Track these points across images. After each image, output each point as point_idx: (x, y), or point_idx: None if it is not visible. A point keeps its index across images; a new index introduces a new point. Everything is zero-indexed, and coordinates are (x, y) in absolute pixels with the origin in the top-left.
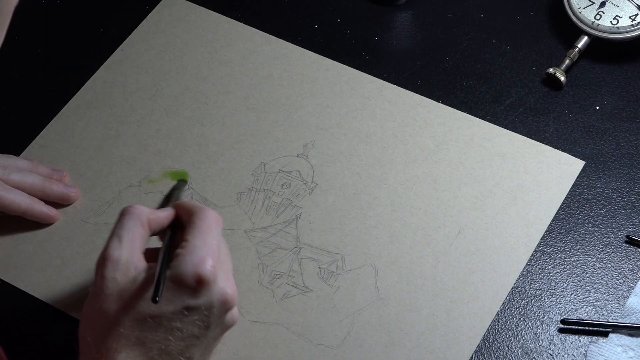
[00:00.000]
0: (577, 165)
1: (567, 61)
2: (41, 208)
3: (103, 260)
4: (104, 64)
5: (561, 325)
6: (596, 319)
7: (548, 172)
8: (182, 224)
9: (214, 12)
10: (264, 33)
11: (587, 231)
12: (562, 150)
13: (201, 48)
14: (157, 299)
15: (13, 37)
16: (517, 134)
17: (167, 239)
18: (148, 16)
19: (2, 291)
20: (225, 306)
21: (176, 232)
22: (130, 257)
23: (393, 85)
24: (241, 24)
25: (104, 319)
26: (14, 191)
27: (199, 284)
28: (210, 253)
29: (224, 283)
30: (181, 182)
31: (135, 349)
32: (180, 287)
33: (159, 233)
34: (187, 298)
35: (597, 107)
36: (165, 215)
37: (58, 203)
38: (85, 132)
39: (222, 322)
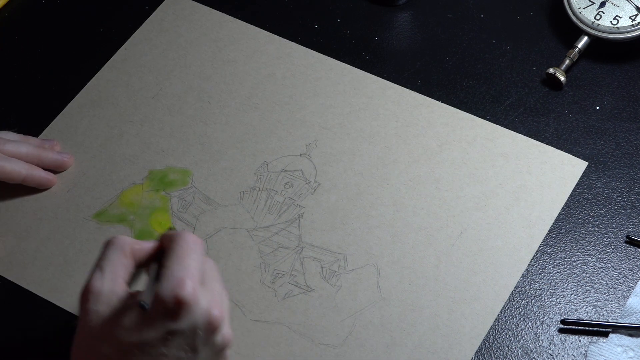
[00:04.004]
0: (579, 165)
1: (567, 61)
2: (40, 173)
3: (85, 293)
4: (108, 62)
5: (561, 326)
6: (596, 319)
7: (551, 173)
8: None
9: (217, 11)
10: (268, 32)
11: (587, 231)
12: (563, 151)
13: (204, 47)
14: (146, 305)
15: (13, 37)
16: (520, 135)
17: (154, 270)
18: (152, 15)
19: (4, 289)
20: (211, 327)
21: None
22: (112, 287)
23: (396, 85)
24: (245, 23)
25: (90, 352)
26: (12, 160)
27: (179, 307)
28: (188, 275)
29: (208, 304)
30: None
31: None
32: (161, 312)
33: (145, 265)
34: (168, 322)
35: (597, 107)
36: (150, 245)
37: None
38: (89, 131)
39: (211, 344)
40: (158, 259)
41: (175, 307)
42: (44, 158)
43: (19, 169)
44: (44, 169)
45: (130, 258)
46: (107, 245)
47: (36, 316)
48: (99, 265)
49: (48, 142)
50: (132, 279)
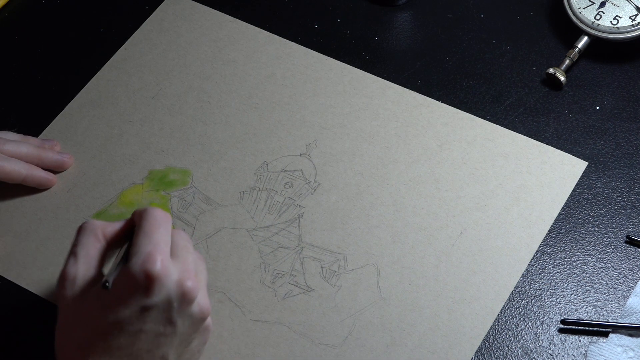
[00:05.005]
0: (579, 165)
1: (567, 61)
2: (40, 173)
3: (61, 280)
4: (108, 62)
5: (561, 326)
6: (596, 319)
7: (551, 173)
8: None
9: (217, 11)
10: (268, 32)
11: (587, 231)
12: (563, 151)
13: (204, 47)
14: (108, 283)
15: (13, 37)
16: (520, 135)
17: (123, 250)
18: (151, 15)
19: (4, 289)
20: (186, 298)
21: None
22: (87, 271)
23: (396, 85)
24: (244, 23)
25: (70, 338)
26: (12, 160)
27: (149, 281)
28: (157, 249)
29: (181, 275)
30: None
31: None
32: (132, 288)
33: (119, 245)
34: (141, 298)
35: (597, 107)
36: (120, 224)
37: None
38: (89, 131)
39: (188, 315)
40: (129, 237)
41: (146, 282)
42: (44, 158)
43: (19, 169)
44: (44, 169)
45: (103, 240)
46: (79, 230)
47: (36, 316)
48: (72, 251)
49: (48, 142)
50: (107, 259)
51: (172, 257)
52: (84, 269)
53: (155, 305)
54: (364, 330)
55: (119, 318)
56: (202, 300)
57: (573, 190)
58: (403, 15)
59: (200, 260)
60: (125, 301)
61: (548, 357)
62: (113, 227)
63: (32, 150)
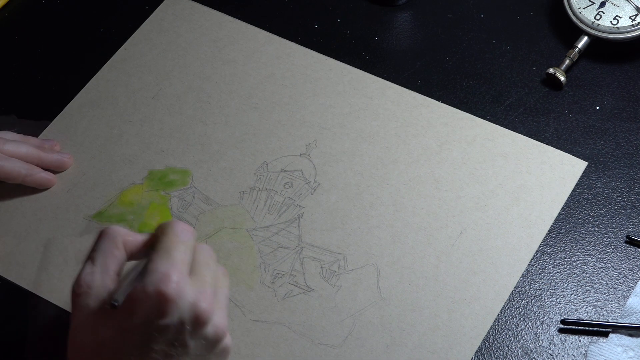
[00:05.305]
0: (579, 165)
1: (567, 61)
2: (40, 173)
3: (76, 286)
4: (107, 62)
5: (561, 326)
6: (596, 319)
7: (550, 173)
8: None
9: (217, 12)
10: (267, 32)
11: (587, 231)
12: (563, 151)
13: (204, 47)
14: (117, 303)
15: (13, 37)
16: (520, 135)
17: (140, 266)
18: (151, 15)
19: (4, 289)
20: (199, 321)
21: None
22: (102, 282)
23: (396, 85)
24: (244, 23)
25: (81, 347)
26: (12, 160)
27: (162, 302)
28: (172, 268)
29: (196, 296)
30: None
31: None
32: (145, 308)
33: (137, 257)
34: (154, 319)
35: (597, 107)
36: (143, 237)
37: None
38: (88, 131)
39: (202, 337)
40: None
41: (159, 303)
42: (43, 158)
43: (19, 169)
44: (44, 169)
45: (122, 250)
46: (100, 235)
47: (36, 316)
48: (90, 257)
49: (48, 142)
50: (125, 273)
51: (192, 274)
52: (100, 279)
53: (167, 326)
54: (364, 330)
55: (130, 337)
56: (218, 322)
57: (573, 190)
58: (403, 15)
59: (224, 275)
60: (137, 320)
61: (548, 357)
62: (135, 238)
63: (31, 150)
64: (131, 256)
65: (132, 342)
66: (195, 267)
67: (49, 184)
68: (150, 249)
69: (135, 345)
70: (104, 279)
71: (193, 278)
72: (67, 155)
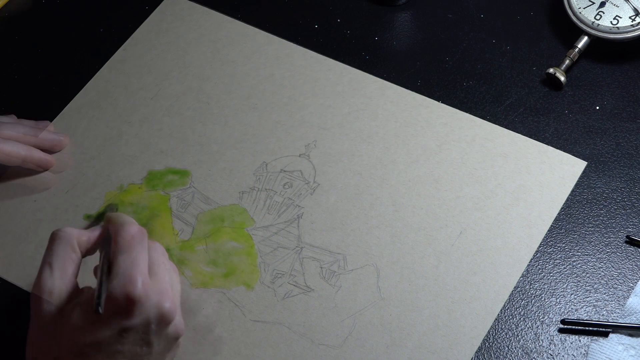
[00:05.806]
0: (579, 165)
1: (567, 61)
2: (39, 154)
3: (36, 291)
4: (107, 63)
5: (561, 326)
6: (596, 319)
7: (550, 173)
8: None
9: (216, 12)
10: (267, 33)
11: (587, 231)
12: (563, 151)
13: (203, 48)
14: (100, 308)
15: (13, 37)
16: (519, 134)
17: (103, 258)
18: (150, 16)
19: (3, 290)
20: (164, 320)
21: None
22: (63, 286)
23: (395, 85)
24: (243, 23)
25: (43, 353)
26: (10, 142)
27: (130, 304)
28: (137, 270)
29: (159, 297)
30: (110, 205)
31: None
32: (113, 310)
33: (92, 253)
34: (121, 320)
35: (597, 107)
36: (95, 234)
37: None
38: (88, 132)
39: (164, 336)
40: (105, 246)
41: (127, 305)
42: (40, 138)
43: (18, 150)
44: (42, 150)
45: (78, 251)
46: (54, 239)
47: None
48: (46, 261)
49: (42, 124)
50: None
51: (150, 274)
52: (59, 283)
53: (134, 326)
54: (364, 331)
55: (98, 339)
56: (178, 321)
57: (573, 190)
58: (403, 15)
59: (174, 271)
60: (105, 322)
61: (548, 357)
62: (87, 237)
63: (28, 131)
64: (86, 254)
65: (100, 344)
66: (153, 267)
67: (48, 164)
68: (104, 243)
69: (103, 348)
70: (64, 282)
71: (152, 278)
72: (62, 135)
